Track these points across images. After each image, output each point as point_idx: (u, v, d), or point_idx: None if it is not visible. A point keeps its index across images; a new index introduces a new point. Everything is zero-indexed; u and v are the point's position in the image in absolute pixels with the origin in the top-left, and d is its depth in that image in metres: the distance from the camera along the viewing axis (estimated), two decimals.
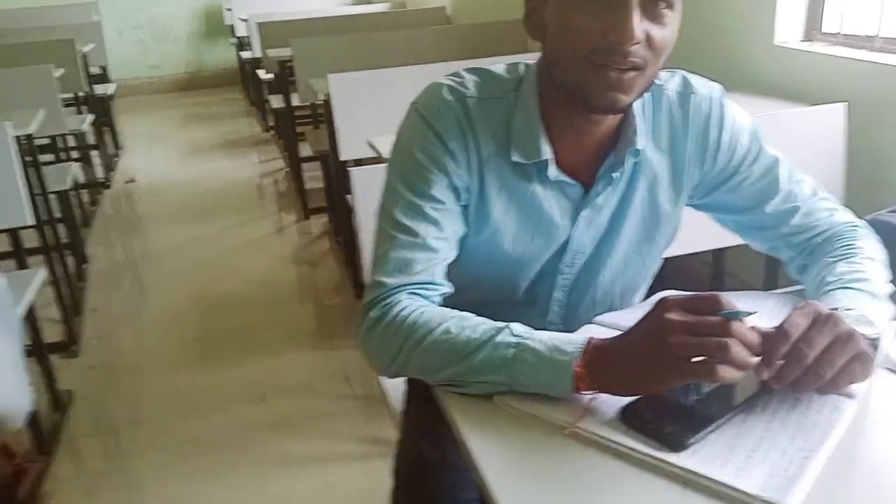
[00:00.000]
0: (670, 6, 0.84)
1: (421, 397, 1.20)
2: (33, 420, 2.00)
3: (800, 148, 1.71)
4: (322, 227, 3.76)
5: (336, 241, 3.48)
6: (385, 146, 1.92)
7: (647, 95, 0.97)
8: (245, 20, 4.97)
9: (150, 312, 2.99)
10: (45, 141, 3.31)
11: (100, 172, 4.55)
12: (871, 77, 1.87)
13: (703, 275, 2.37)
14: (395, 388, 1.42)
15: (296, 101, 3.64)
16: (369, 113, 2.55)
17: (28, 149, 2.38)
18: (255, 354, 2.62)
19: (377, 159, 2.00)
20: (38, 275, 2.09)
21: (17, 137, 2.11)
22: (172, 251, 3.59)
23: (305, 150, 3.77)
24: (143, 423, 2.27)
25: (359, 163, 2.73)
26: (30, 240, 2.34)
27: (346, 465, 2.05)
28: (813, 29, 2.15)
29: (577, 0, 0.83)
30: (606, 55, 0.82)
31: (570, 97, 0.89)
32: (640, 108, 0.96)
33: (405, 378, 1.28)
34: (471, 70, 0.98)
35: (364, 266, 1.49)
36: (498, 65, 0.99)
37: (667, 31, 0.84)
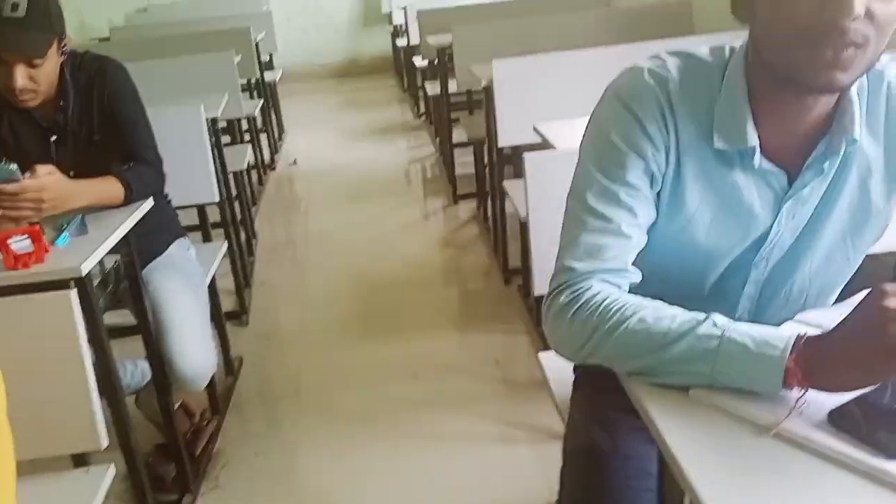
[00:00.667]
0: None
1: (591, 385, 1.19)
2: (210, 382, 2.16)
3: None
4: (470, 212, 3.80)
5: (485, 227, 3.51)
6: (552, 133, 1.93)
7: (864, 81, 0.90)
8: (403, 8, 5.09)
9: (311, 288, 3.15)
10: (224, 123, 3.55)
11: (266, 155, 4.84)
12: None
13: (887, 279, 2.18)
14: (558, 375, 1.42)
15: (451, 87, 3.69)
16: (530, 99, 2.55)
17: (213, 130, 2.56)
18: (407, 333, 2.70)
19: (541, 145, 2.00)
20: (222, 247, 2.26)
21: (207, 120, 2.28)
22: (330, 231, 3.77)
23: (457, 136, 3.83)
24: (303, 392, 2.41)
25: (516, 149, 2.74)
26: (211, 215, 2.54)
27: (492, 446, 2.08)
28: None
29: None
30: (823, 33, 0.77)
31: (783, 80, 0.84)
32: (856, 92, 0.89)
33: (573, 366, 1.28)
34: (673, 53, 0.95)
35: (532, 249, 1.49)
36: (701, 47, 0.95)
37: (892, 6, 0.78)
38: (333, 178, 4.59)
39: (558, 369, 1.44)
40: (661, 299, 0.89)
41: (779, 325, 0.94)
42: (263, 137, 4.86)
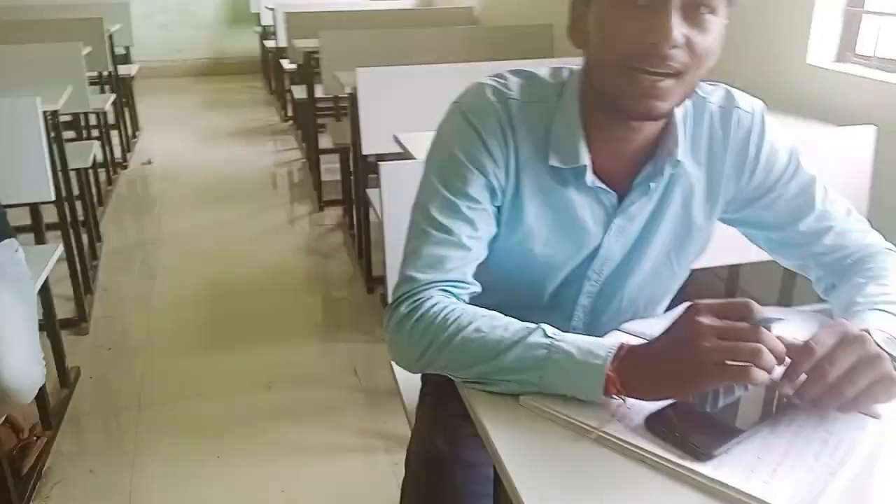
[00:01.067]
0: (713, 11, 0.83)
1: (437, 394, 1.20)
2: (40, 395, 2.00)
3: (827, 168, 1.70)
4: (336, 219, 3.76)
5: (350, 235, 3.48)
6: (412, 143, 1.95)
7: (688, 106, 0.96)
8: (272, 9, 4.98)
9: (161, 295, 2.99)
10: (68, 117, 3.32)
11: (118, 152, 4.57)
12: None
13: (717, 290, 2.36)
14: (409, 382, 1.42)
15: (318, 92, 3.65)
16: (394, 108, 2.56)
17: (53, 124, 2.38)
18: (263, 342, 2.63)
19: (402, 155, 2.01)
20: (56, 251, 2.10)
21: (44, 113, 2.12)
22: (186, 235, 3.61)
23: (324, 141, 3.78)
24: (148, 405, 2.27)
25: (380, 157, 2.74)
26: (48, 214, 2.35)
27: (349, 456, 2.05)
28: (847, 50, 2.14)
29: (619, 6, 0.83)
30: (643, 59, 0.82)
31: (610, 104, 0.89)
32: (681, 118, 0.95)
33: (421, 374, 1.29)
34: (515, 72, 0.98)
35: (386, 258, 1.49)
36: (542, 68, 0.99)
37: (709, 38, 0.84)
38: (191, 179, 4.40)
39: (409, 377, 1.44)
40: (503, 309, 0.91)
41: (609, 332, 0.99)
42: (116, 134, 4.58)
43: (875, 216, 1.77)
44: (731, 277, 2.30)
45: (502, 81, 0.97)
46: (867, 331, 0.80)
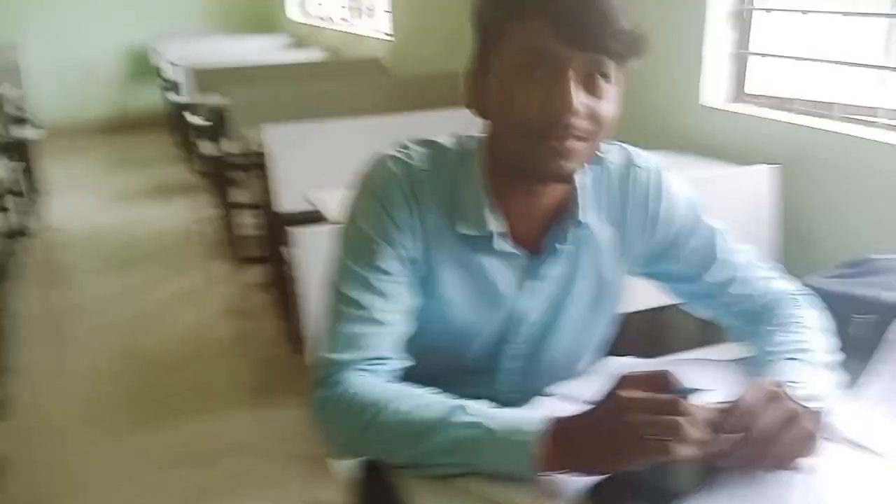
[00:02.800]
0: (608, 79, 0.86)
1: (373, 468, 1.17)
2: None
3: (729, 209, 1.79)
4: (256, 277, 3.68)
5: (271, 294, 3.41)
6: (323, 201, 1.93)
7: (589, 168, 0.99)
8: (176, 64, 4.89)
9: (79, 371, 2.85)
10: None
11: (21, 220, 4.35)
12: (795, 138, 1.97)
13: (642, 330, 2.41)
14: None
15: (229, 147, 3.59)
16: (307, 164, 2.54)
17: None
18: (191, 413, 2.52)
19: (316, 214, 1.99)
20: None
21: None
22: (100, 304, 3.45)
23: (239, 195, 3.71)
24: (76, 491, 2.14)
25: (296, 215, 2.71)
26: None
27: None
28: (738, 90, 2.26)
29: (516, 78, 0.85)
30: (546, 128, 0.85)
31: (514, 168, 0.91)
32: (582, 180, 0.98)
33: None
34: (417, 141, 0.99)
35: (307, 320, 1.47)
36: (444, 136, 1.00)
37: (606, 104, 0.87)
38: (101, 243, 4.23)
39: None
40: (433, 376, 0.91)
41: (539, 393, 1.00)
42: (17, 201, 4.37)
43: (784, 254, 1.86)
44: (654, 318, 2.35)
45: (405, 151, 0.97)
46: (781, 384, 0.83)
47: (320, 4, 6.28)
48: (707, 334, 2.00)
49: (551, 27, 0.82)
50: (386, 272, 0.93)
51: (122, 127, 7.18)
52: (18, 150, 4.44)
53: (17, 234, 4.15)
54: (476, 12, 0.91)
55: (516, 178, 0.93)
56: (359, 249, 0.93)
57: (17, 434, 2.43)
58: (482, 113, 0.93)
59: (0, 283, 3.25)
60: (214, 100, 3.61)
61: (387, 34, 4.76)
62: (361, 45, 5.09)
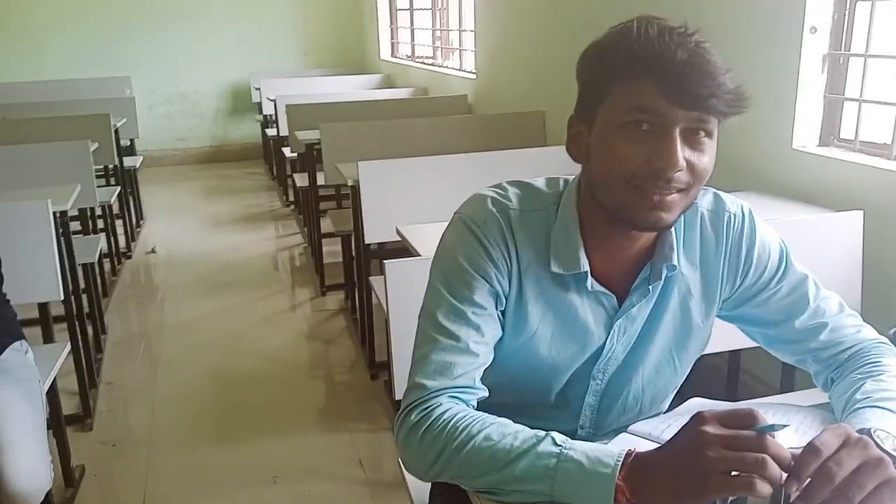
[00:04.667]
0: (709, 135, 0.89)
1: (448, 494, 1.20)
2: (46, 497, 1.98)
3: (817, 253, 1.75)
4: (338, 303, 3.79)
5: (352, 319, 3.50)
6: (412, 235, 2.00)
7: None
8: (273, 100, 5.15)
9: (165, 387, 2.99)
10: (75, 212, 3.39)
11: (122, 242, 4.63)
12: (887, 184, 1.92)
13: (720, 371, 2.37)
14: (418, 481, 1.42)
15: (320, 179, 3.74)
16: (394, 198, 2.63)
17: (62, 223, 2.44)
18: (267, 434, 2.61)
19: (402, 244, 2.06)
20: (64, 350, 2.12)
21: (54, 213, 2.17)
22: (189, 324, 3.62)
23: (325, 225, 3.85)
24: (151, 502, 2.25)
25: (381, 245, 2.80)
26: (54, 307, 2.38)
27: None
28: (830, 135, 2.22)
29: (623, 128, 0.88)
30: (650, 180, 0.87)
31: (613, 216, 0.93)
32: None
33: None
34: (513, 183, 1.03)
35: (391, 347, 1.52)
36: (539, 178, 1.04)
37: (706, 158, 0.90)
38: (194, 266, 4.44)
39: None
40: (511, 409, 0.93)
41: (618, 430, 1.01)
42: (120, 224, 4.66)
43: (867, 301, 1.82)
44: (732, 360, 2.31)
45: (502, 192, 1.02)
46: (868, 430, 0.82)
47: (410, 44, 6.48)
48: (787, 379, 1.96)
49: (661, 88, 0.85)
50: (481, 306, 0.97)
51: (220, 158, 7.57)
52: (125, 178, 4.73)
53: (118, 255, 4.41)
54: (583, 66, 0.94)
55: (612, 223, 0.96)
56: (456, 282, 0.97)
57: (100, 446, 2.56)
58: (583, 159, 0.96)
59: (100, 302, 3.44)
60: (308, 134, 3.78)
61: (471, 72, 4.88)
62: (448, 84, 5.23)
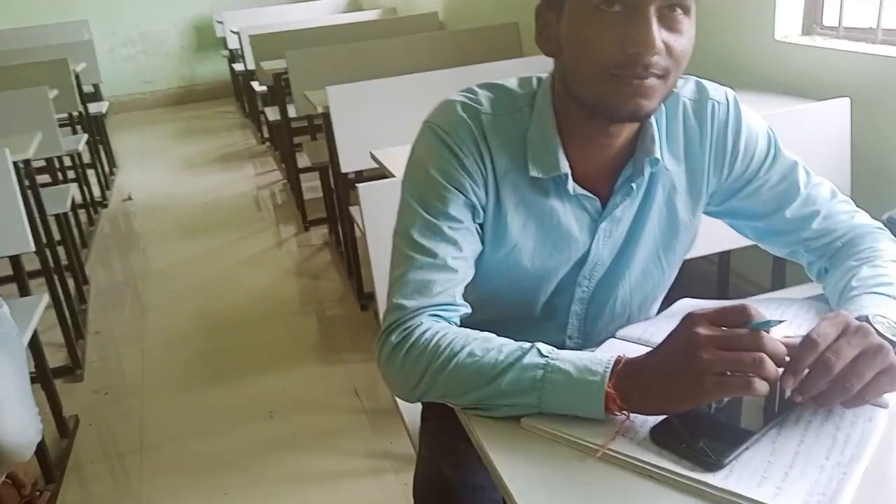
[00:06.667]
0: (687, 13, 0.82)
1: (438, 415, 1.18)
2: (40, 448, 1.97)
3: (805, 144, 1.70)
4: (322, 238, 3.74)
5: (338, 252, 3.46)
6: (388, 158, 1.93)
7: (661, 105, 0.95)
8: (237, 33, 4.95)
9: (153, 333, 2.96)
10: (41, 163, 3.29)
11: (96, 191, 4.53)
12: (873, 70, 1.86)
13: (710, 275, 2.36)
14: (410, 405, 1.40)
15: (292, 112, 3.63)
16: (368, 123, 2.54)
17: (26, 173, 2.35)
18: (261, 371, 2.60)
19: (380, 171, 1.99)
20: (42, 301, 2.07)
21: (15, 163, 2.09)
22: (173, 269, 3.57)
23: (303, 160, 3.76)
24: (150, 447, 2.24)
25: (359, 174, 2.73)
26: (29, 262, 2.31)
27: (358, 480, 2.03)
28: (813, 23, 2.14)
29: (593, 14, 0.81)
30: (627, 67, 0.81)
31: (590, 110, 0.87)
32: (654, 117, 0.94)
33: None
34: (483, 85, 0.96)
35: (373, 277, 1.47)
36: (510, 79, 0.97)
37: (685, 39, 0.83)
38: (173, 211, 4.36)
39: None
40: (497, 324, 0.89)
41: (605, 338, 0.98)
42: (92, 174, 4.54)
43: (857, 188, 1.78)
44: (722, 262, 2.29)
45: (472, 96, 0.95)
46: (866, 317, 0.79)
47: None
48: (777, 278, 1.94)
49: None
50: (458, 220, 0.92)
51: (190, 99, 7.35)
52: (92, 125, 4.58)
53: (93, 205, 4.31)
54: None
55: (590, 119, 0.89)
56: (429, 196, 0.92)
57: (92, 395, 2.54)
58: (554, 53, 0.89)
59: (79, 252, 3.38)
60: (275, 65, 3.64)
61: None
62: (417, 2, 5.04)
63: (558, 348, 0.82)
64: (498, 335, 0.86)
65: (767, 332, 0.73)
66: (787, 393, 0.74)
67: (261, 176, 4.95)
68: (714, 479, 0.69)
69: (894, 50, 1.87)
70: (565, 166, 0.92)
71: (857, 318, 0.78)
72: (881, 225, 1.03)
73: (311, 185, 3.91)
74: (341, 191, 2.88)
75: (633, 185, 0.94)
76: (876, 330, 0.76)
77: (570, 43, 0.85)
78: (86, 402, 2.49)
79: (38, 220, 2.46)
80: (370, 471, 2.06)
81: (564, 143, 0.92)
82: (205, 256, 3.68)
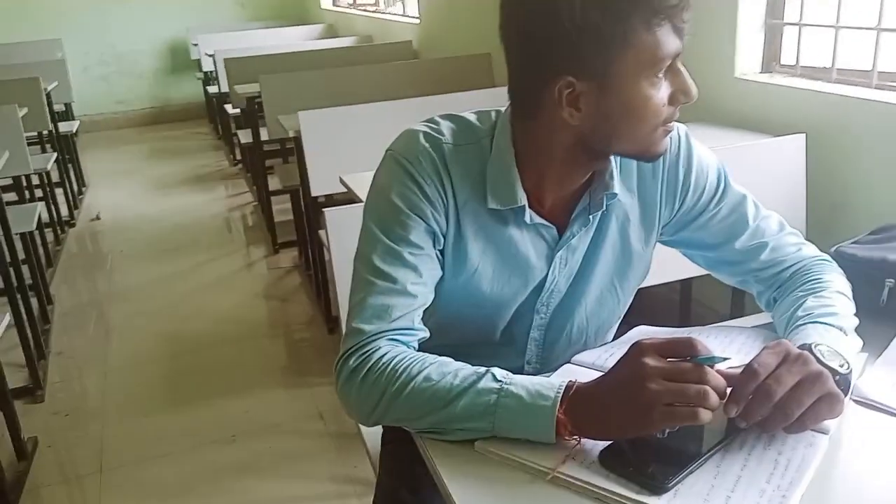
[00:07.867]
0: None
1: (397, 439, 1.19)
2: None
3: (761, 178, 1.76)
4: (292, 260, 3.73)
5: (307, 275, 3.46)
6: (356, 183, 1.95)
7: None
8: (212, 55, 4.96)
9: (117, 354, 2.92)
10: (8, 181, 3.26)
11: (64, 211, 4.48)
12: (828, 107, 1.93)
13: (672, 302, 2.40)
14: (372, 428, 1.41)
15: (264, 135, 3.64)
16: (339, 148, 2.57)
17: None
18: (225, 394, 2.58)
19: (348, 195, 2.01)
20: (3, 320, 2.04)
21: None
22: (139, 290, 3.54)
23: (274, 183, 3.76)
24: (110, 470, 2.21)
25: (329, 198, 2.74)
26: None
27: None
28: (772, 61, 2.21)
29: (653, 80, 0.85)
30: (672, 117, 0.90)
31: (624, 156, 0.95)
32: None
33: None
34: (445, 116, 0.99)
35: (339, 301, 1.48)
36: (470, 112, 1.00)
37: None
38: (142, 232, 4.33)
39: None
40: (457, 349, 0.91)
41: (563, 363, 1.00)
42: (61, 193, 4.49)
43: (812, 222, 1.84)
44: (684, 290, 2.34)
45: (434, 126, 0.97)
46: (809, 346, 0.82)
47: None
48: (736, 305, 1.99)
49: (675, 28, 0.84)
50: (418, 246, 0.93)
51: (163, 120, 7.32)
52: (62, 144, 4.55)
53: (60, 224, 4.27)
54: (586, 22, 0.81)
55: (578, 163, 0.93)
56: (391, 223, 0.93)
57: (53, 417, 2.50)
58: (586, 120, 0.87)
59: (44, 272, 3.33)
60: (248, 89, 3.65)
61: (414, 17, 4.76)
62: (392, 31, 5.10)
63: (517, 373, 0.83)
64: (458, 360, 0.87)
65: (712, 367, 0.76)
66: (732, 416, 0.77)
67: (232, 198, 4.93)
68: (659, 501, 0.71)
69: (848, 89, 1.94)
70: (522, 198, 0.94)
71: (800, 347, 0.81)
72: (828, 257, 1.07)
73: (283, 208, 3.91)
74: (311, 214, 2.89)
75: (590, 216, 0.97)
76: (817, 358, 0.79)
77: (625, 108, 0.86)
78: (46, 423, 2.45)
79: (1, 238, 2.44)
80: (333, 495, 2.05)
81: (522, 174, 0.95)
82: (173, 277, 3.65)
